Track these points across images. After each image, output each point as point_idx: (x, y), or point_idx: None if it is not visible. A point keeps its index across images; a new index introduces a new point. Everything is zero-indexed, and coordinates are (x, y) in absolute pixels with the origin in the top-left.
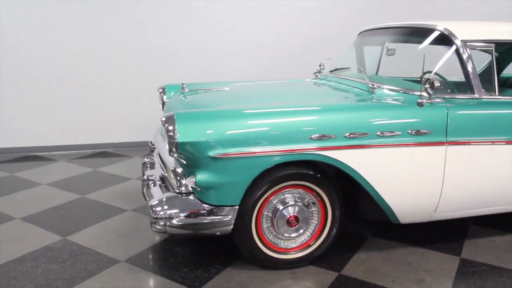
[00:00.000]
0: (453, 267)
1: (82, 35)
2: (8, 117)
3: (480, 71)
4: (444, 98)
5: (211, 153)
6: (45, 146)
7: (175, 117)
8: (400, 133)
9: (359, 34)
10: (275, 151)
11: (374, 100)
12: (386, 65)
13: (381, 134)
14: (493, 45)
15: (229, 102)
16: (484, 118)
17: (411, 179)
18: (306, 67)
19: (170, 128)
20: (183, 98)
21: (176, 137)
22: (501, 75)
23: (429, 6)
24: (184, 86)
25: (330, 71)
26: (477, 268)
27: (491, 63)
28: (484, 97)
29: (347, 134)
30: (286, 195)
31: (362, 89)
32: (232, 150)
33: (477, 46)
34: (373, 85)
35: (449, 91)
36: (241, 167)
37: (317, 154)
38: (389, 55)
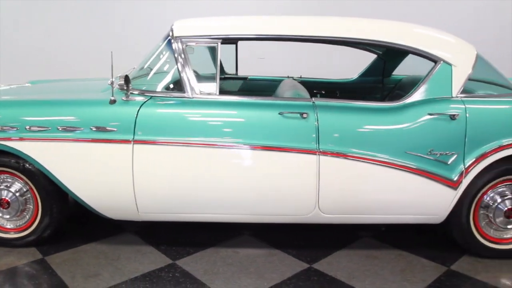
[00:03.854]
0: (150, 268)
1: (83, 34)
2: None
3: (363, 71)
4: (151, 96)
5: None
6: None
7: None
8: (82, 129)
9: None
10: None
11: (87, 96)
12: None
13: (61, 129)
14: (218, 41)
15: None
16: (180, 118)
17: (98, 176)
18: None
19: None
20: None
21: None
22: (392, 77)
23: (428, 6)
24: None
25: None
26: (175, 274)
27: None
28: (196, 96)
29: (27, 127)
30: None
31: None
32: None
33: (196, 42)
34: (112, 82)
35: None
36: None
37: None
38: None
